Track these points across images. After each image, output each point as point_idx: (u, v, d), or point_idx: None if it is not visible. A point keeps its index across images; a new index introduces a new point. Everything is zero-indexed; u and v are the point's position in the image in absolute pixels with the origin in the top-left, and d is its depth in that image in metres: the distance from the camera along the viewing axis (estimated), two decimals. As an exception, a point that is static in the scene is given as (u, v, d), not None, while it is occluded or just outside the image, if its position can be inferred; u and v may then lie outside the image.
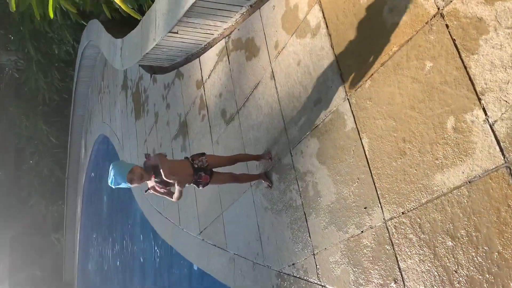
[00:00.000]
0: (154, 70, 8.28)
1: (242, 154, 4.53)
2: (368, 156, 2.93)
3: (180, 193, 3.77)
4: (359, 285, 3.00)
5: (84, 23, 13.00)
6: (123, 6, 6.56)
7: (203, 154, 3.98)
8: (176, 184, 3.72)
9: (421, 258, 2.50)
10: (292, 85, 3.81)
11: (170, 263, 7.58)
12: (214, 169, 3.96)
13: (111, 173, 3.59)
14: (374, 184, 2.87)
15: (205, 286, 5.97)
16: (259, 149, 4.35)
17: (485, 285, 2.13)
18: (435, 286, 2.40)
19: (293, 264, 3.79)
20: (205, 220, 5.79)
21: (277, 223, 4.04)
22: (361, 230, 2.98)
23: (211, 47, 5.72)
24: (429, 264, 2.45)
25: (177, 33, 5.52)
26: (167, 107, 7.45)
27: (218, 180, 4.00)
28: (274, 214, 4.09)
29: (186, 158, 3.95)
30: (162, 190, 3.76)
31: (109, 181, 3.61)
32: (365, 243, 2.95)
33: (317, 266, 3.46)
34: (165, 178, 3.58)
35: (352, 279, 3.07)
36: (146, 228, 9.08)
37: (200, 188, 3.93)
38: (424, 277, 2.48)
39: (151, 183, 3.76)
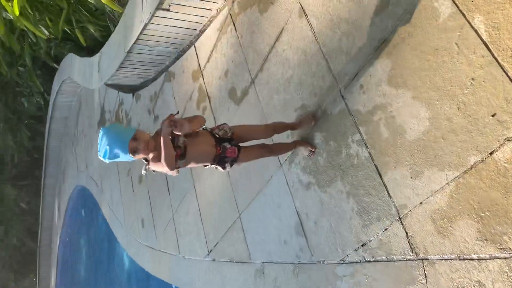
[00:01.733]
0: (135, 88, 7.33)
1: (277, 122, 3.39)
2: (486, 40, 2.00)
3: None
4: (491, 242, 1.94)
5: (55, 66, 12.22)
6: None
7: (223, 124, 2.99)
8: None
9: None
10: (336, 7, 2.92)
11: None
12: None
13: (104, 141, 2.48)
14: (506, 73, 1.91)
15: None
16: (290, 114, 3.37)
17: None
18: None
19: (363, 245, 2.69)
20: (216, 234, 4.61)
21: (329, 199, 2.97)
22: (489, 151, 1.98)
23: (207, 27, 4.87)
24: None
25: (168, 10, 4.66)
26: (155, 120, 6.43)
27: (248, 154, 2.93)
28: (323, 188, 3.03)
29: (203, 129, 2.93)
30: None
31: (101, 153, 2.51)
32: (500, 167, 1.93)
33: (408, 234, 2.38)
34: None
35: (477, 233, 2.00)
36: (137, 272, 7.67)
37: (227, 169, 2.86)
38: None
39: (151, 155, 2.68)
